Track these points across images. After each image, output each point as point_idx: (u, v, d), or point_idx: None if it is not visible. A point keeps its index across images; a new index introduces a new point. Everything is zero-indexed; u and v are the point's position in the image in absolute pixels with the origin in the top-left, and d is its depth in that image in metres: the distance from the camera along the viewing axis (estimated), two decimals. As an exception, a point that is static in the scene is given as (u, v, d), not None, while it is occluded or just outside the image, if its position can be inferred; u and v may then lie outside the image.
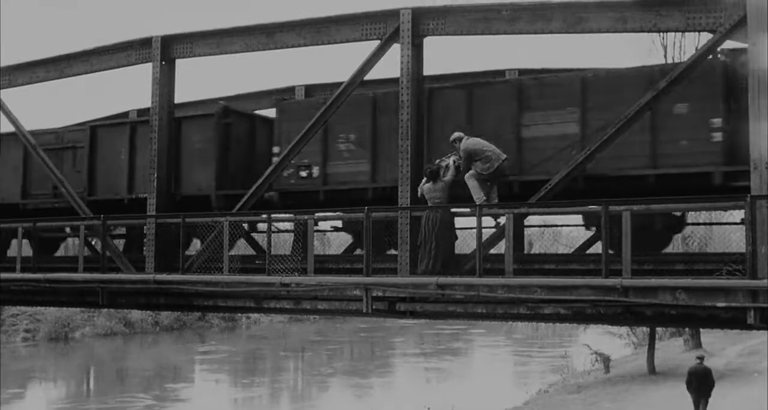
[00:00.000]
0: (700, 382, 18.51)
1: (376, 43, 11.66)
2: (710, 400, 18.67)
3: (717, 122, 10.99)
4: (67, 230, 14.31)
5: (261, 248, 17.11)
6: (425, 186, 11.26)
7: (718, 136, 10.91)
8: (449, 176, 11.31)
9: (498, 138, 12.01)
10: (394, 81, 12.79)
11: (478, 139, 11.49)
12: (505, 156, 11.39)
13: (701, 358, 19.22)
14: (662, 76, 10.77)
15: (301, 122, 13.16)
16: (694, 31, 9.96)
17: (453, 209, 11.25)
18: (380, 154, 13.25)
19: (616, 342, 35.47)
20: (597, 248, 12.65)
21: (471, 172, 11.34)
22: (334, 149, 13.87)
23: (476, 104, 12.43)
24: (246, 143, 15.28)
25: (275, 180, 13.61)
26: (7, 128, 15.64)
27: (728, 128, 10.74)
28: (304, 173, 13.98)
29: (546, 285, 9.86)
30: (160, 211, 13.31)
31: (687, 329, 32.27)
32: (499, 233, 10.74)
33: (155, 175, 13.34)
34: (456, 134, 11.59)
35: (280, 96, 17.33)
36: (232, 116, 15.11)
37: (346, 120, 13.43)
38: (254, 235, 17.60)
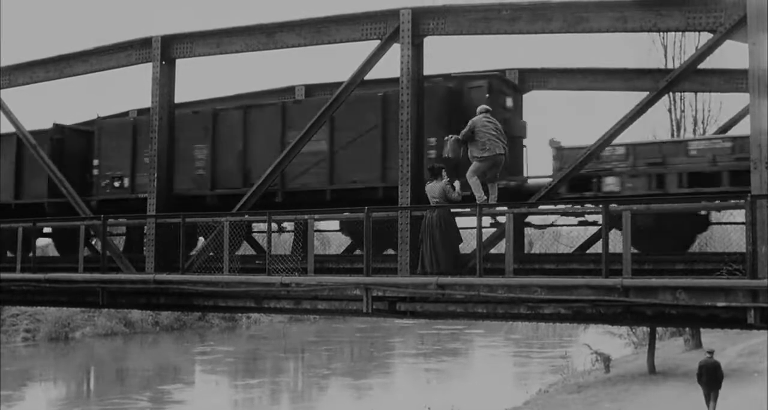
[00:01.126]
0: (710, 376, 19.22)
1: (376, 43, 11.65)
2: (719, 391, 19.38)
3: (432, 141, 12.63)
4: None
5: (261, 248, 17.13)
6: (427, 185, 11.26)
7: (431, 153, 12.49)
8: (455, 195, 11.18)
9: (268, 154, 13.72)
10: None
11: (493, 123, 11.54)
12: (502, 152, 11.42)
13: (711, 352, 19.93)
14: (395, 100, 12.35)
15: (117, 139, 15.85)
16: (694, 31, 9.98)
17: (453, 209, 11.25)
18: (177, 166, 14.72)
19: (616, 342, 35.44)
20: (597, 247, 12.66)
21: (472, 168, 11.40)
22: (141, 162, 15.71)
23: (250, 124, 13.98)
24: (79, 157, 17.10)
25: (95, 189, 16.25)
26: (7, 128, 15.69)
27: (439, 146, 12.16)
28: (117, 184, 16.02)
29: (546, 285, 9.86)
30: (159, 211, 13.32)
31: (687, 329, 32.26)
32: (499, 233, 10.75)
33: (155, 175, 13.33)
34: (482, 107, 11.81)
35: (282, 96, 17.61)
36: (64, 133, 17.22)
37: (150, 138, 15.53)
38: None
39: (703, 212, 14.04)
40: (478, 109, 11.77)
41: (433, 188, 11.16)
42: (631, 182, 12.62)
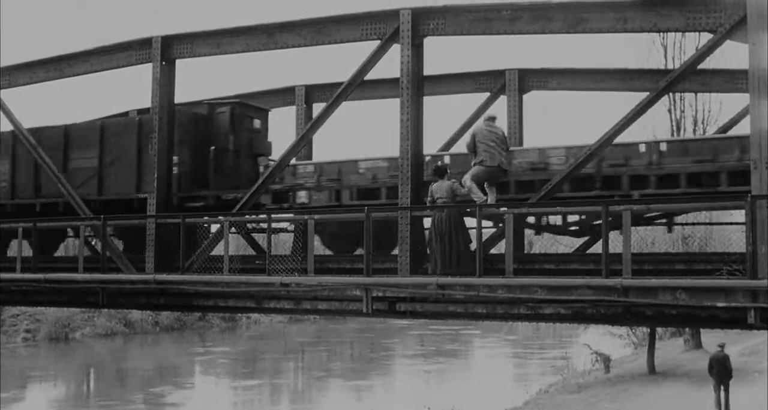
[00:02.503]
0: (720, 368, 20.36)
1: (377, 43, 11.65)
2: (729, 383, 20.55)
3: (176, 159, 14.67)
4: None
5: (261, 248, 17.14)
6: (433, 185, 11.23)
7: (176, 169, 14.72)
8: (464, 191, 11.19)
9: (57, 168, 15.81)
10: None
11: (494, 133, 11.54)
12: (496, 164, 11.40)
13: (722, 346, 20.98)
14: (146, 126, 14.75)
15: None
16: (694, 31, 9.98)
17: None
18: (18, 179, 16.81)
19: (616, 342, 35.45)
20: (597, 248, 12.67)
21: (470, 172, 11.41)
22: None
23: (42, 143, 15.47)
24: None
25: None
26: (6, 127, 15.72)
27: (182, 163, 14.96)
28: None
29: (546, 285, 9.86)
30: (159, 210, 13.33)
31: (687, 329, 32.27)
32: (499, 233, 10.75)
33: (155, 175, 13.34)
34: (487, 114, 12.06)
35: (283, 96, 17.80)
36: None
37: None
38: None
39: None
40: (483, 116, 11.90)
41: (439, 188, 11.11)
42: (317, 195, 14.89)
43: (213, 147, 15.79)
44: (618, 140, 10.62)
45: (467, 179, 11.39)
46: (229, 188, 15.47)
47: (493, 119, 11.76)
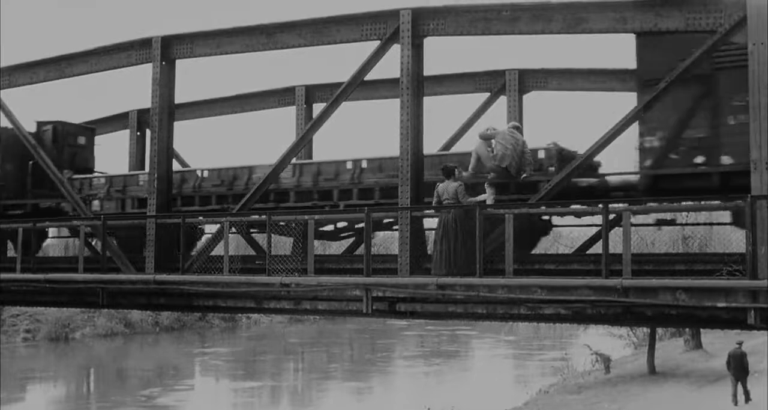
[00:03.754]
0: (737, 363, 21.52)
1: (377, 43, 11.64)
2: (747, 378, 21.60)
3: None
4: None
5: (261, 249, 17.14)
6: (440, 185, 11.19)
7: None
8: (469, 200, 11.22)
9: None
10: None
11: (515, 138, 11.77)
12: (505, 165, 11.59)
13: (740, 343, 21.97)
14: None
15: None
16: (695, 31, 9.98)
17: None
18: None
19: (616, 343, 35.42)
20: (597, 248, 12.68)
21: (482, 147, 11.81)
22: None
23: None
24: None
25: None
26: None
27: (4, 176, 16.77)
28: None
29: (546, 285, 9.85)
30: (159, 210, 13.32)
31: (687, 329, 32.27)
32: (500, 233, 10.74)
33: (155, 175, 13.33)
34: (514, 123, 12.43)
35: (283, 96, 17.85)
36: None
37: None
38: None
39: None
40: (513, 124, 12.33)
41: (446, 189, 11.07)
42: (107, 204, 16.96)
43: (32, 162, 17.53)
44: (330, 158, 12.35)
45: (476, 150, 11.64)
46: (48, 198, 17.61)
47: (517, 127, 11.97)
